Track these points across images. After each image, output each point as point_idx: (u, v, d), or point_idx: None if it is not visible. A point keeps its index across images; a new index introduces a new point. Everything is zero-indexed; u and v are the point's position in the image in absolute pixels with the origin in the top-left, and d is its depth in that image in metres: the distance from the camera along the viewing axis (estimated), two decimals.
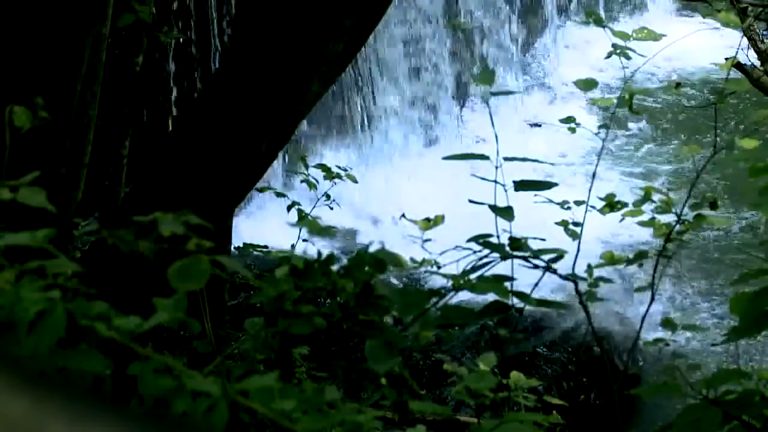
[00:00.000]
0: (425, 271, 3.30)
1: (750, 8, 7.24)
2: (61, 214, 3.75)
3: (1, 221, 2.74)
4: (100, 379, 2.18)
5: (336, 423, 2.28)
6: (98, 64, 4.57)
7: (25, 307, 2.07)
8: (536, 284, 2.87)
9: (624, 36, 3.78)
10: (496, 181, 3.01)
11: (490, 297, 2.68)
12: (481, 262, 2.77)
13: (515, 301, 2.70)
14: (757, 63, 7.76)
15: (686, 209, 3.50)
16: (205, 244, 2.14)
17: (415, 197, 10.16)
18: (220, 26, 9.21)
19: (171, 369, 2.12)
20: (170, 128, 8.70)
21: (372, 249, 2.52)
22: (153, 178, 4.50)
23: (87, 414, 1.19)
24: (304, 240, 5.22)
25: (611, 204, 3.76)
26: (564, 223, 3.72)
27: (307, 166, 6.58)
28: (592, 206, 3.58)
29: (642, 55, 3.85)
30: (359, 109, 11.32)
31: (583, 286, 3.09)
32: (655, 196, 3.63)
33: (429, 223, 3.18)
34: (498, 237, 2.83)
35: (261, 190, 6.79)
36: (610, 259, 3.50)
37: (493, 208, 2.89)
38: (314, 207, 6.32)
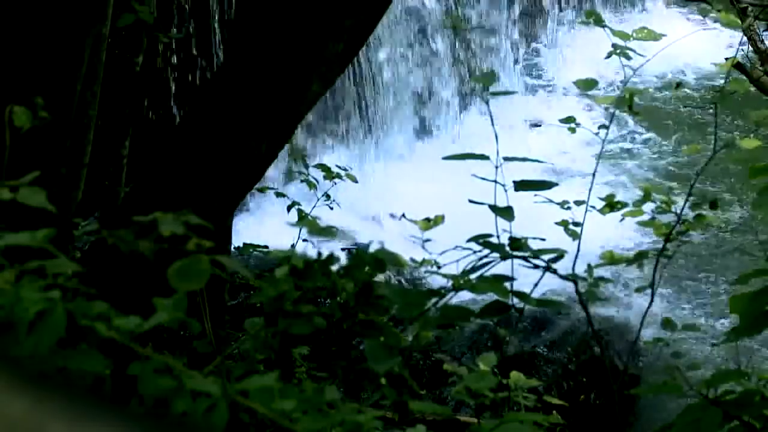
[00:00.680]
0: (425, 271, 3.30)
1: (750, 8, 7.24)
2: (61, 214, 3.75)
3: (1, 221, 2.74)
4: (100, 379, 2.18)
5: (336, 423, 2.28)
6: (98, 64, 4.57)
7: (25, 307, 2.07)
8: (536, 284, 2.87)
9: (624, 36, 3.79)
10: (496, 181, 3.01)
11: (490, 297, 2.68)
12: (481, 262, 2.77)
13: (515, 301, 2.70)
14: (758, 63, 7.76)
15: (686, 209, 3.50)
16: (205, 244, 2.14)
17: (415, 197, 10.15)
18: (221, 26, 9.21)
19: (171, 369, 2.12)
20: (171, 129, 8.70)
21: (372, 249, 2.52)
22: (153, 178, 4.50)
23: (87, 414, 1.19)
24: (304, 240, 5.22)
25: (611, 204, 3.76)
26: (564, 223, 3.72)
27: (307, 166, 6.58)
28: (592, 206, 3.58)
29: (642, 55, 3.85)
30: (359, 108, 11.31)
31: (583, 286, 3.09)
32: (655, 196, 3.63)
33: (429, 223, 3.18)
34: (498, 237, 2.83)
35: (261, 190, 6.79)
36: (610, 259, 3.50)
37: (493, 208, 2.89)
38: (314, 207, 6.32)
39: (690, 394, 2.71)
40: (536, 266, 2.87)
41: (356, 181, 6.57)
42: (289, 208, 6.30)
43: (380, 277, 2.58)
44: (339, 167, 6.48)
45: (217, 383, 2.09)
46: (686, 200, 3.53)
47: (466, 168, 3.08)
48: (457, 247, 2.90)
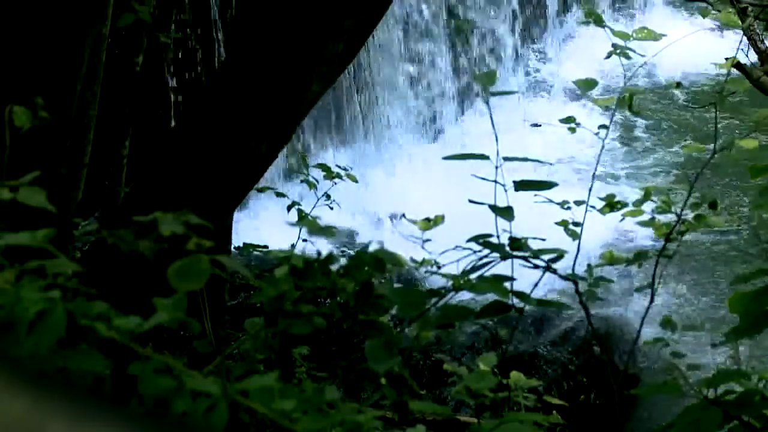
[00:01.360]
0: (425, 271, 3.30)
1: (750, 8, 7.24)
2: (61, 214, 3.75)
3: (1, 221, 2.74)
4: (100, 379, 2.18)
5: (336, 423, 2.28)
6: (98, 64, 4.57)
7: (25, 307, 2.07)
8: (536, 284, 2.87)
9: (624, 36, 3.79)
10: (496, 181, 3.00)
11: (490, 297, 2.68)
12: (481, 262, 2.77)
13: (515, 301, 2.70)
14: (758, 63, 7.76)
15: (686, 209, 3.50)
16: (205, 243, 2.14)
17: (415, 197, 10.15)
18: (223, 26, 9.22)
19: (171, 369, 2.12)
20: (171, 129, 8.70)
21: (372, 249, 2.52)
22: (153, 178, 4.50)
23: (87, 414, 1.19)
24: (304, 240, 5.22)
25: (611, 204, 3.76)
26: (564, 223, 3.72)
27: (307, 166, 6.58)
28: (592, 206, 3.58)
29: (642, 55, 3.85)
30: (359, 108, 11.31)
31: (583, 286, 3.09)
32: (655, 196, 3.63)
33: (429, 223, 3.18)
34: (498, 237, 2.83)
35: (261, 190, 6.79)
36: (610, 259, 3.50)
37: (493, 208, 2.89)
38: (314, 207, 6.32)
39: (690, 394, 2.71)
40: (536, 266, 2.87)
41: (356, 181, 6.58)
42: (289, 208, 6.31)
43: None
44: (339, 167, 6.48)
45: (217, 383, 2.09)
46: (686, 200, 3.53)
47: (466, 168, 3.08)
48: (457, 247, 2.90)
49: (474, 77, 12.12)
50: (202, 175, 4.34)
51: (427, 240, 3.21)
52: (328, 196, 6.40)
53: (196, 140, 4.41)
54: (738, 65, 7.03)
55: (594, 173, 3.70)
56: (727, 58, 4.23)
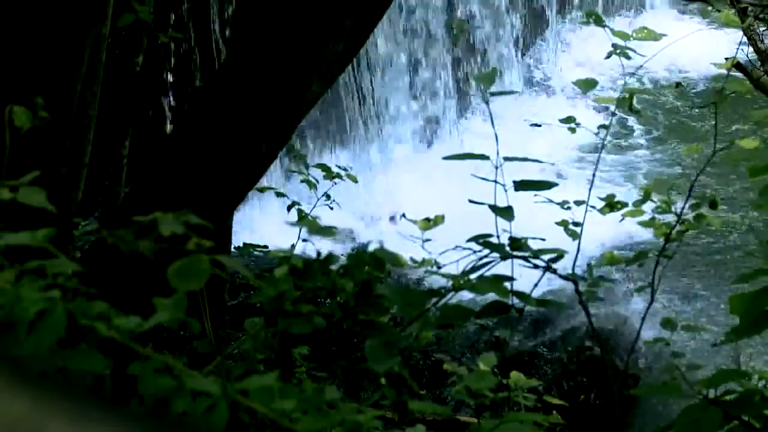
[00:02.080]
0: (425, 271, 3.30)
1: (750, 8, 7.24)
2: (61, 214, 3.75)
3: (1, 221, 2.74)
4: (100, 379, 2.18)
5: (336, 423, 2.28)
6: (98, 64, 4.57)
7: (25, 307, 2.07)
8: (536, 284, 2.87)
9: (624, 36, 3.79)
10: (496, 181, 3.00)
11: (490, 297, 2.68)
12: (481, 262, 2.77)
13: (515, 301, 2.70)
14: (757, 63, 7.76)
15: (686, 209, 3.50)
16: (205, 243, 2.14)
17: (415, 197, 10.16)
18: (221, 26, 9.21)
19: (171, 369, 2.12)
20: (170, 128, 8.70)
21: (371, 248, 2.52)
22: (153, 178, 4.50)
23: (87, 414, 1.19)
24: (304, 240, 5.21)
25: (611, 204, 3.76)
26: (564, 223, 3.72)
27: (307, 166, 6.58)
28: (592, 206, 3.58)
29: (642, 55, 3.85)
30: (359, 108, 11.31)
31: (583, 286, 3.09)
32: (655, 196, 3.63)
33: (429, 223, 3.18)
34: (498, 237, 2.83)
35: (261, 190, 6.79)
36: (610, 259, 3.50)
37: (493, 208, 2.89)
38: (314, 207, 6.31)
39: (690, 394, 2.71)
40: (536, 266, 2.87)
41: (356, 181, 6.57)
42: (289, 208, 6.30)
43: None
44: (339, 167, 6.48)
45: (217, 383, 2.09)
46: (686, 200, 3.53)
47: (466, 168, 3.08)
48: (457, 247, 2.90)
49: (474, 77, 12.12)
50: (202, 175, 4.34)
51: (427, 240, 3.21)
52: (328, 196, 6.40)
53: (195, 140, 4.41)
54: (738, 65, 7.03)
55: (594, 173, 3.70)
56: (727, 58, 4.23)
